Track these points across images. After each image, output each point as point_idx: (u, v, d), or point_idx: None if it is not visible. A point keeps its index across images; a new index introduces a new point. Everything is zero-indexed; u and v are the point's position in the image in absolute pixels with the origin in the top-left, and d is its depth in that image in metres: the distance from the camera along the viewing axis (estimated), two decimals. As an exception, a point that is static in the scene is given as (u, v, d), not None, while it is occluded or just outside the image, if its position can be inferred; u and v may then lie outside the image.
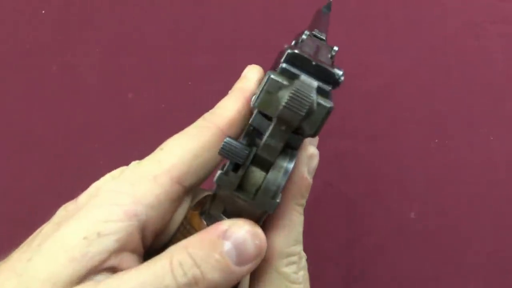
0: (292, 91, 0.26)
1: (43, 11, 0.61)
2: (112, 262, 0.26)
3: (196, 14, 0.59)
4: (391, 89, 0.56)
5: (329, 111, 0.27)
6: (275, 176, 0.27)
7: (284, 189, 0.29)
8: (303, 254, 0.31)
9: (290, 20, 0.58)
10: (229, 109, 0.31)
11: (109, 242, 0.26)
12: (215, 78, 0.56)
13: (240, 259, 0.26)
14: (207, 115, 0.31)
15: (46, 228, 0.29)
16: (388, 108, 0.56)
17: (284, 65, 0.27)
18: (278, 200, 0.27)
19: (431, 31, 0.56)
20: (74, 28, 0.60)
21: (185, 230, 0.29)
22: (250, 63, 0.56)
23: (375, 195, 0.55)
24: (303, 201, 0.30)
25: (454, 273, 0.54)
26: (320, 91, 0.27)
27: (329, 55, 0.31)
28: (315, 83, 0.27)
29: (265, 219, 0.29)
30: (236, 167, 0.27)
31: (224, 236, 0.26)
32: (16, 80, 0.60)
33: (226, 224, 0.27)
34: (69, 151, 0.58)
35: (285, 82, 0.27)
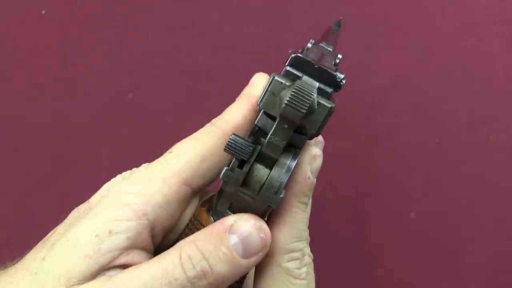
0: (294, 89, 0.27)
1: (43, 11, 0.61)
2: (124, 259, 0.27)
3: (196, 14, 0.59)
4: (391, 89, 0.56)
5: (330, 110, 0.28)
6: (279, 173, 0.28)
7: (287, 187, 0.30)
8: (307, 252, 0.32)
9: (290, 20, 0.58)
10: (235, 114, 0.32)
11: (120, 240, 0.27)
12: (215, 78, 0.56)
13: (246, 252, 0.27)
14: (214, 121, 0.32)
15: (60, 228, 0.30)
16: (388, 108, 0.56)
17: (288, 68, 0.29)
18: (281, 196, 0.28)
19: (431, 31, 0.56)
20: (74, 28, 0.60)
21: (193, 226, 0.30)
22: (251, 63, 0.56)
23: (375, 195, 0.55)
24: (306, 199, 0.31)
25: (454, 273, 0.54)
26: (321, 92, 0.29)
27: (333, 62, 0.33)
28: (316, 83, 0.28)
29: (269, 216, 0.30)
30: (241, 163, 0.28)
31: (230, 230, 0.27)
32: (16, 80, 0.60)
33: (232, 219, 0.28)
34: (69, 151, 0.58)
35: (287, 83, 0.28)
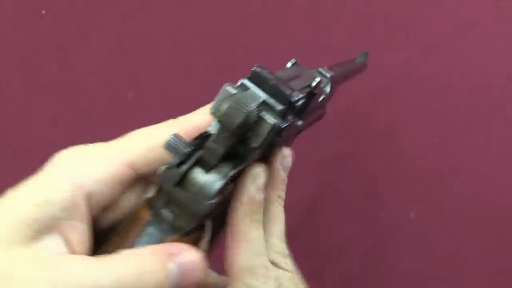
0: (232, 100, 0.28)
1: (43, 11, 0.61)
2: (60, 229, 0.28)
3: (196, 14, 0.59)
4: (391, 89, 0.56)
5: (272, 127, 0.28)
6: (214, 179, 0.29)
7: (237, 208, 0.31)
8: (271, 266, 0.32)
9: (290, 20, 0.58)
10: (200, 116, 0.33)
11: (56, 210, 0.28)
12: (215, 78, 0.56)
13: (179, 282, 0.28)
14: (180, 117, 0.34)
15: (7, 193, 0.31)
16: (388, 108, 0.56)
17: (244, 80, 0.30)
18: (211, 202, 0.28)
19: (431, 31, 0.56)
20: (74, 28, 0.60)
21: (130, 216, 0.31)
22: (250, 63, 0.56)
23: (375, 195, 0.55)
24: (258, 217, 0.32)
25: (454, 273, 0.54)
26: (269, 108, 0.29)
27: (307, 84, 0.33)
28: (261, 98, 0.29)
29: (227, 235, 0.31)
30: (180, 164, 0.28)
31: (171, 258, 0.28)
32: (16, 80, 0.60)
33: (176, 248, 0.29)
34: (69, 151, 0.58)
35: (234, 93, 0.29)
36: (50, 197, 0.28)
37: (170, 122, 0.33)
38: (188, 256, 0.29)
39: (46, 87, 0.59)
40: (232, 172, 0.29)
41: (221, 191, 0.29)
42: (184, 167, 0.28)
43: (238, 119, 0.27)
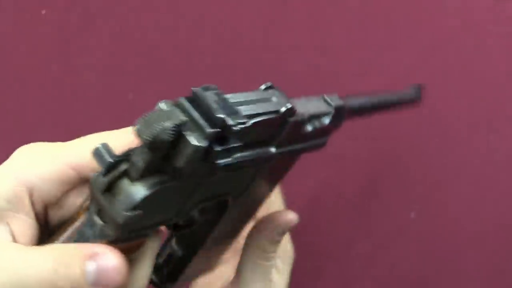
0: (151, 116, 0.27)
1: (43, 11, 0.61)
2: (6, 219, 0.30)
3: (196, 14, 0.59)
4: (391, 89, 0.56)
5: (195, 149, 0.28)
6: (135, 191, 0.28)
7: None
8: None
9: (290, 21, 0.58)
10: None
11: (2, 202, 0.30)
12: (215, 78, 0.56)
13: (96, 283, 0.29)
14: None
15: None
16: (388, 108, 0.56)
17: (181, 99, 0.29)
18: (128, 214, 0.28)
19: (431, 31, 0.56)
20: (74, 28, 0.60)
21: (73, 216, 0.32)
22: (250, 63, 0.56)
23: (375, 195, 0.55)
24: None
25: (454, 273, 0.54)
26: (199, 129, 0.28)
27: (276, 109, 0.31)
28: (181, 118, 0.28)
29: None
30: (106, 172, 0.29)
31: (92, 257, 0.29)
32: (16, 80, 0.60)
33: (100, 248, 0.29)
34: (69, 151, 0.58)
35: (164, 109, 0.28)
36: None
37: (129, 129, 0.33)
38: (109, 259, 0.29)
39: (46, 87, 0.59)
40: (156, 188, 0.28)
41: (141, 204, 0.28)
42: (110, 176, 0.28)
43: (148, 137, 0.27)
